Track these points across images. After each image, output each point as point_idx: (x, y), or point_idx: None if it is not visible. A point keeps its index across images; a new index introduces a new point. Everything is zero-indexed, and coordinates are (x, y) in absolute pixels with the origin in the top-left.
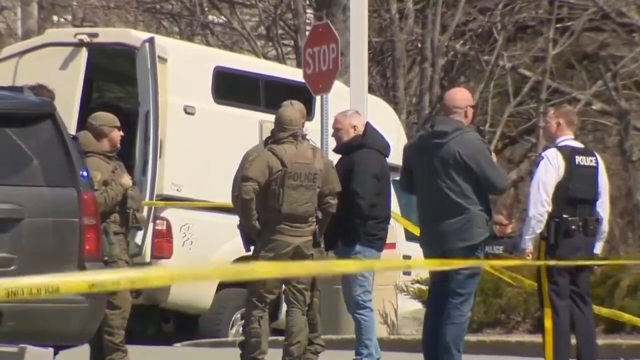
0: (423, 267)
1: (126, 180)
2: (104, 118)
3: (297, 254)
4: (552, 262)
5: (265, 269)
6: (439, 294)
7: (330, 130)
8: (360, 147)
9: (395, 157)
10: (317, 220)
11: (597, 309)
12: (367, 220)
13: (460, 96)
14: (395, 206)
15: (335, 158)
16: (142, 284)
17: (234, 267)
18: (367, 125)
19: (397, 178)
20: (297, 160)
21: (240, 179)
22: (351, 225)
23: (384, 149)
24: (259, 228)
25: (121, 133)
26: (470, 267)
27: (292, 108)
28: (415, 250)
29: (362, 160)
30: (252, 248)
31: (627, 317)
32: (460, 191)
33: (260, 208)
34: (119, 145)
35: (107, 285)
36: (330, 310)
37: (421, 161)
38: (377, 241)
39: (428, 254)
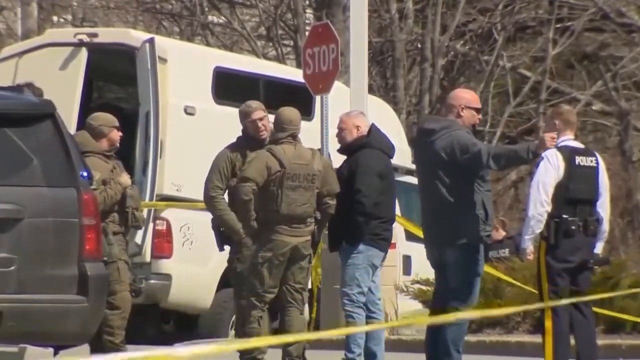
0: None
1: (125, 179)
2: (103, 118)
3: (295, 254)
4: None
5: None
6: (441, 295)
7: (331, 131)
8: (364, 146)
9: (395, 158)
10: (315, 221)
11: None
12: (371, 219)
13: (458, 94)
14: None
15: (339, 159)
16: None
17: None
18: (372, 125)
19: (400, 179)
20: (295, 161)
21: (239, 179)
22: (355, 225)
23: (388, 149)
24: (256, 228)
25: (120, 133)
26: (469, 265)
27: (290, 108)
28: (416, 250)
29: (366, 159)
30: (226, 248)
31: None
32: (453, 191)
33: (258, 208)
34: (117, 144)
35: None
36: (330, 310)
37: (417, 161)
38: (381, 241)
39: (429, 255)
